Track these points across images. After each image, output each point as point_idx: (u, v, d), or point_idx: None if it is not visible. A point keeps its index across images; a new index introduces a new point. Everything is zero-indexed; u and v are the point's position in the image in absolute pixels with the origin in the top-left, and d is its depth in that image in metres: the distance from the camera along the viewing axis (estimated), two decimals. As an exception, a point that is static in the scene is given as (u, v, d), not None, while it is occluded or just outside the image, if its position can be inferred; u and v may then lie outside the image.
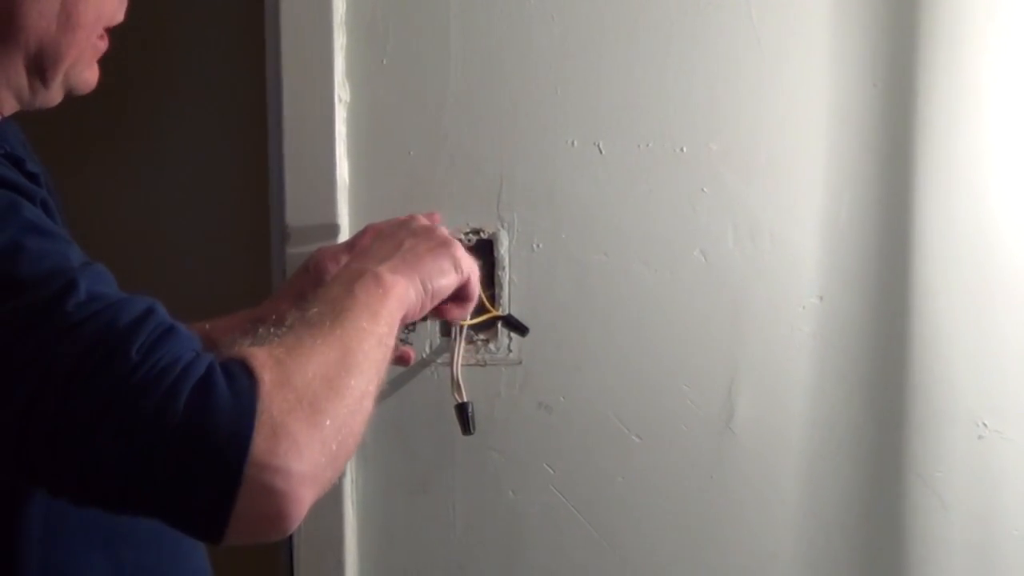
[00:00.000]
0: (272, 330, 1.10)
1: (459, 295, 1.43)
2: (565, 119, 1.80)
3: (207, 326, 1.62)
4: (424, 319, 1.52)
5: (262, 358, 1.03)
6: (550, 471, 1.86)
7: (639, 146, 1.80)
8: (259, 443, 0.97)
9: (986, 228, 1.81)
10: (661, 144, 1.80)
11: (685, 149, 1.80)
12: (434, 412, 1.82)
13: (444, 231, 1.44)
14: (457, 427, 1.75)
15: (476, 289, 1.46)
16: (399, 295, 1.26)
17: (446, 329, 1.80)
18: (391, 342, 1.20)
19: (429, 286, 1.33)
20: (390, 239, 1.38)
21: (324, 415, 1.02)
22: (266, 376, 1.01)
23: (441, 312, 1.45)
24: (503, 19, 1.78)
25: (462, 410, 1.75)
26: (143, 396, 0.96)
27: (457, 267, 1.39)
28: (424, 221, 1.45)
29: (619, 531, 1.87)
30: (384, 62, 1.80)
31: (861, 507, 1.86)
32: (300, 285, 1.65)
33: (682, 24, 1.78)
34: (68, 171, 1.94)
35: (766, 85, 1.79)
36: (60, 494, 1.03)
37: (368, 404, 1.10)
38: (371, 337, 1.14)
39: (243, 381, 1.00)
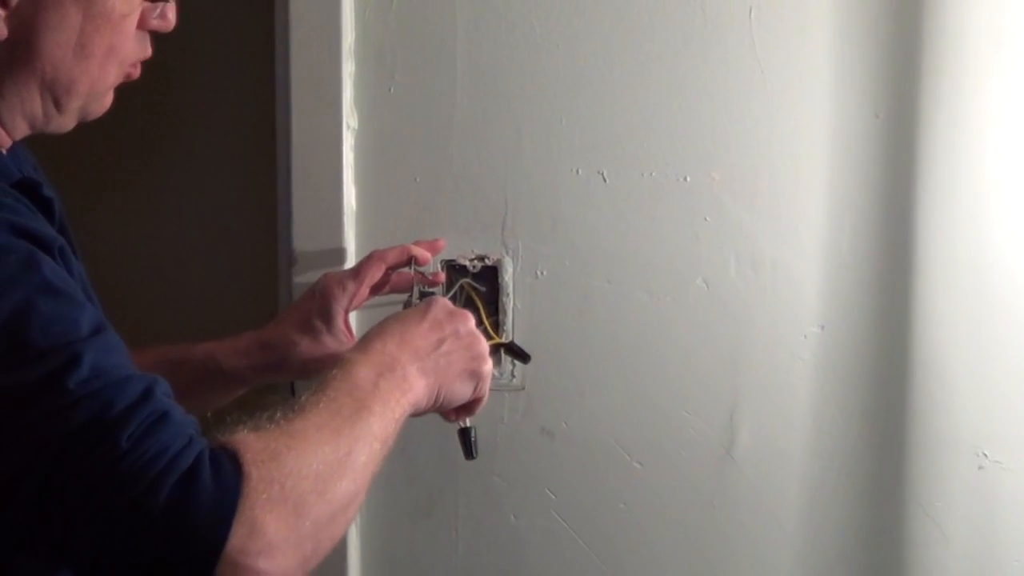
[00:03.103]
0: (279, 414, 1.10)
1: (462, 406, 1.45)
2: (570, 148, 1.81)
3: (212, 346, 1.64)
4: None
5: (256, 450, 1.04)
6: (552, 496, 1.87)
7: (643, 175, 1.81)
8: (234, 542, 0.98)
9: (987, 258, 1.82)
10: (664, 173, 1.81)
11: (688, 178, 1.81)
12: (437, 436, 1.82)
13: (483, 344, 1.44)
14: (460, 452, 1.76)
15: (481, 406, 1.48)
16: (415, 400, 1.28)
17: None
18: (392, 443, 1.21)
19: (443, 400, 1.36)
20: (435, 331, 1.38)
21: (306, 518, 1.03)
22: (254, 472, 1.02)
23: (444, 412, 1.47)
24: (509, 48, 1.80)
25: (465, 435, 1.75)
26: (127, 485, 0.98)
27: (477, 388, 1.42)
28: (472, 326, 1.44)
29: (620, 557, 1.87)
30: (391, 90, 1.82)
31: (861, 535, 1.86)
32: (306, 309, 1.67)
33: (686, 55, 1.80)
34: (77, 195, 1.95)
35: (769, 115, 1.80)
36: (43, 562, 1.06)
37: (353, 510, 1.11)
38: (377, 443, 1.16)
39: (229, 475, 1.01)
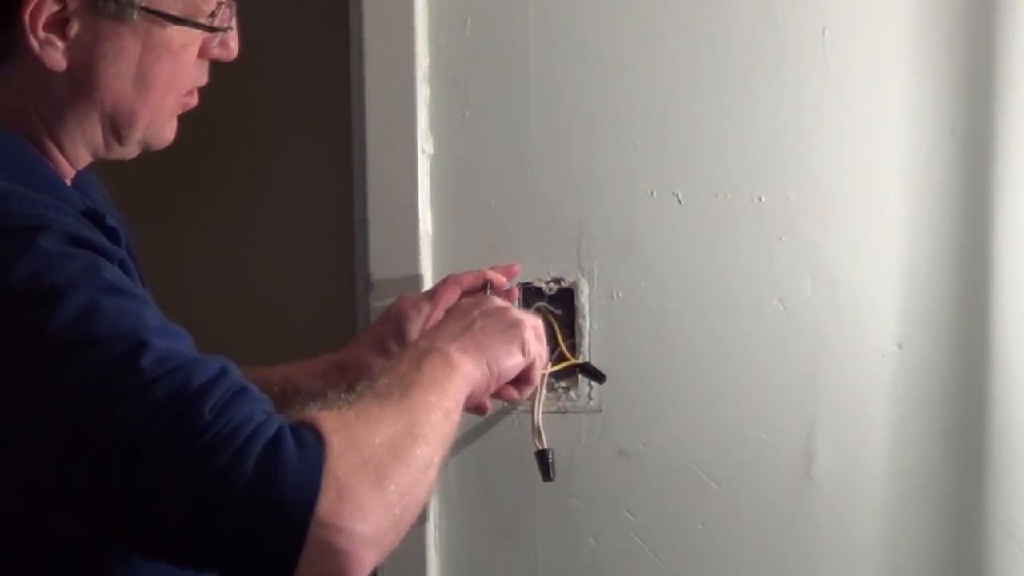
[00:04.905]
0: (342, 396, 1.12)
1: (520, 377, 1.45)
2: (644, 169, 1.82)
3: (289, 368, 1.66)
4: None
5: (331, 422, 1.05)
6: (630, 518, 1.87)
7: (717, 195, 1.81)
8: (324, 504, 0.99)
9: (1066, 274, 1.81)
10: (739, 193, 1.81)
11: (763, 198, 1.81)
12: (515, 459, 1.84)
13: (516, 312, 1.46)
14: (538, 474, 1.77)
15: (538, 374, 1.49)
16: (466, 373, 1.28)
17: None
18: (457, 417, 1.22)
19: (495, 367, 1.36)
20: (461, 318, 1.40)
21: (389, 480, 1.04)
22: (334, 439, 1.03)
23: (498, 392, 1.46)
24: (582, 71, 1.81)
25: (542, 457, 1.76)
26: (213, 456, 0.98)
27: (524, 350, 1.42)
28: (498, 302, 1.48)
29: (698, 578, 1.88)
30: (466, 115, 1.83)
31: (941, 557, 1.85)
32: (381, 331, 1.69)
33: (759, 75, 1.80)
34: (160, 222, 1.99)
35: (844, 134, 1.80)
36: (128, 547, 1.06)
37: (432, 474, 1.12)
38: (437, 410, 1.17)
39: (311, 443, 1.02)
